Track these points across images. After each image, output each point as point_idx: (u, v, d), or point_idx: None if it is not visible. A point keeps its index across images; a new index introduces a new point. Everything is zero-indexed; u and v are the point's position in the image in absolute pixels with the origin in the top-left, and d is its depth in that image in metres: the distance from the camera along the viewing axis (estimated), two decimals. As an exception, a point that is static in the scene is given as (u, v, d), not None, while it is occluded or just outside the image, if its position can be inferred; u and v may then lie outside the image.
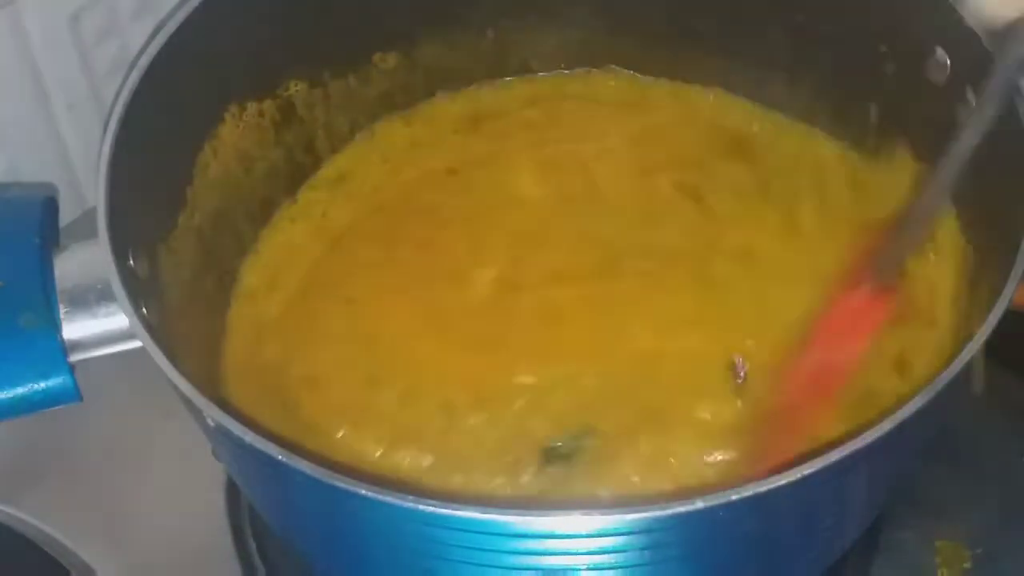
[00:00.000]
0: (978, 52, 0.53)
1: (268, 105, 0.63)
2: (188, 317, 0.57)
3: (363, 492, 0.42)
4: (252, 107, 0.62)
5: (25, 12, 0.64)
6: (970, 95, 0.54)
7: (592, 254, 0.60)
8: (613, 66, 0.69)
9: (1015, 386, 0.65)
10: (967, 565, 0.60)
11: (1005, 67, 0.46)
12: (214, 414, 0.44)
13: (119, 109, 0.52)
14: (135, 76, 0.53)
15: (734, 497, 0.41)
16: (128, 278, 0.49)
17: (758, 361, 0.56)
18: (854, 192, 0.63)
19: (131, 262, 0.50)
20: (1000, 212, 0.51)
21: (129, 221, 0.51)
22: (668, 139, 0.66)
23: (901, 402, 0.44)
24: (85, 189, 0.72)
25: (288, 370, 0.58)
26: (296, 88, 0.64)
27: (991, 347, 0.46)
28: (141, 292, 0.50)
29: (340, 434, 0.56)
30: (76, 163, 0.71)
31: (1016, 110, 0.51)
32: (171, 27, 0.55)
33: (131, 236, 0.51)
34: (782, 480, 0.41)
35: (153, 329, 0.48)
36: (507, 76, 0.69)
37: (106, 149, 0.51)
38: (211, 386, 0.56)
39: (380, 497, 0.42)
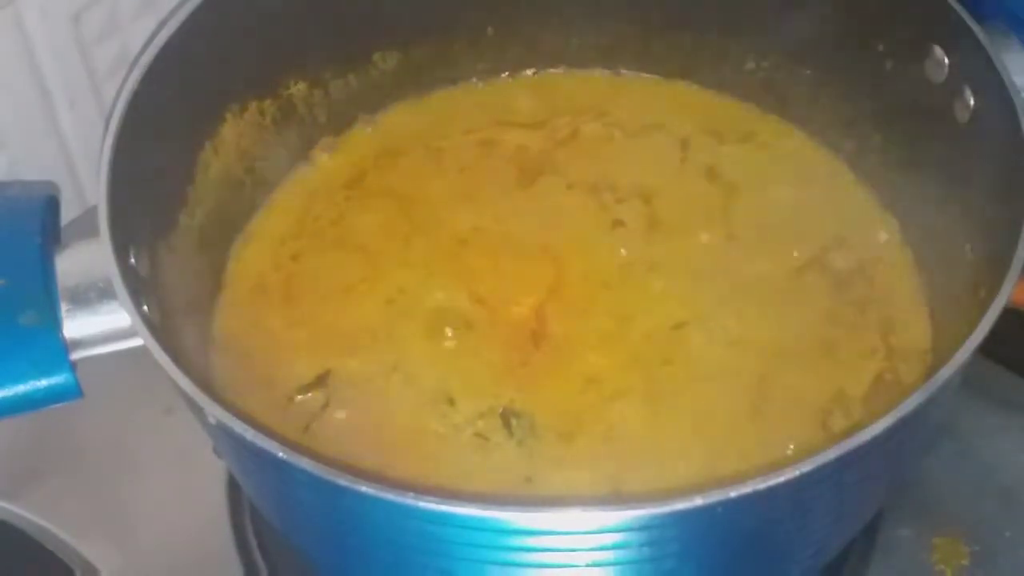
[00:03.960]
0: (975, 50, 0.53)
1: (269, 104, 0.63)
2: (188, 315, 0.57)
3: (363, 489, 0.42)
4: (253, 106, 0.62)
5: (26, 12, 0.64)
6: (967, 93, 0.54)
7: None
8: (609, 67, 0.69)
9: (1013, 384, 0.65)
10: (965, 562, 0.60)
11: None
12: (215, 412, 0.45)
13: (120, 108, 0.52)
14: (136, 75, 0.53)
15: (733, 495, 0.41)
16: (129, 276, 0.49)
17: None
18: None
19: (132, 260, 0.51)
20: (998, 210, 0.51)
21: (130, 220, 0.51)
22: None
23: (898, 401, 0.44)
24: (86, 188, 0.72)
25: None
26: (296, 87, 0.64)
27: (989, 345, 0.46)
28: (142, 290, 0.50)
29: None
30: (77, 162, 0.71)
31: (1015, 109, 0.51)
32: (172, 26, 0.55)
33: (132, 234, 0.51)
34: (780, 478, 0.42)
35: (154, 327, 0.48)
36: (506, 73, 0.69)
37: (107, 148, 0.51)
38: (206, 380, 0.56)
39: (380, 494, 0.42)
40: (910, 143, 0.60)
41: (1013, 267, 0.47)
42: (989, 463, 0.63)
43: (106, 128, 0.52)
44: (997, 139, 0.51)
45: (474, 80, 0.69)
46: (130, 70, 0.54)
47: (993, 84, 0.52)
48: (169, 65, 0.54)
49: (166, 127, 0.56)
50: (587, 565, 0.45)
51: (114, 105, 0.53)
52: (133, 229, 0.51)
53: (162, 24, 0.56)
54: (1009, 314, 0.46)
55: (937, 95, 0.56)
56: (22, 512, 0.62)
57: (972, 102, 0.54)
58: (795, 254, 0.61)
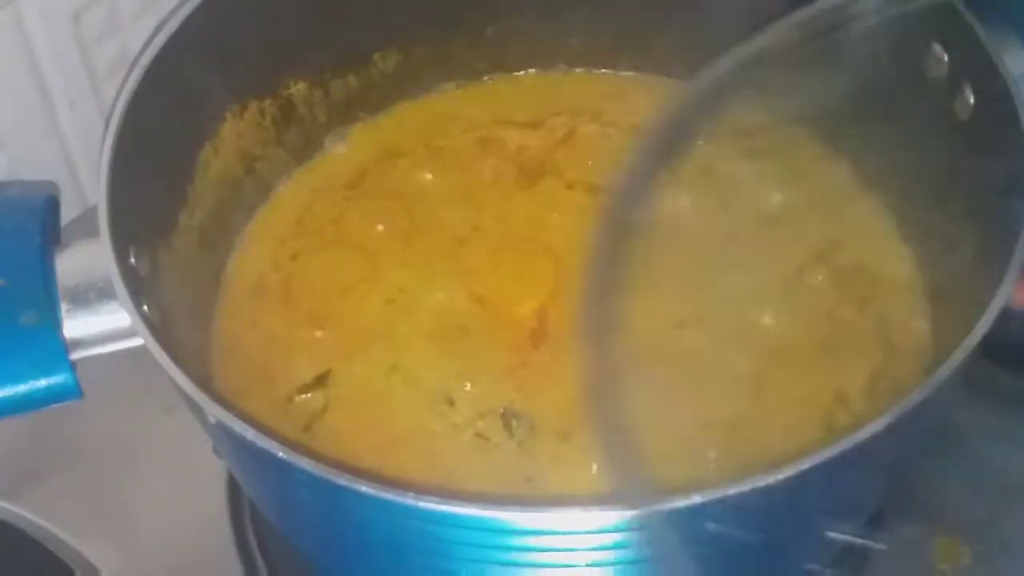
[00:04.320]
0: (975, 47, 0.53)
1: (269, 104, 0.63)
2: (188, 315, 0.57)
3: (363, 489, 0.42)
4: (253, 106, 0.62)
5: (26, 12, 0.64)
6: (967, 90, 0.54)
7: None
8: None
9: (1012, 381, 0.65)
10: (966, 561, 0.59)
11: None
12: (215, 412, 0.45)
13: (120, 108, 0.52)
14: (136, 75, 0.53)
15: (732, 492, 0.41)
16: (129, 276, 0.49)
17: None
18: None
19: (132, 260, 0.51)
20: (998, 208, 0.51)
21: (130, 219, 0.51)
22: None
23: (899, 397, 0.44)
24: (86, 187, 0.72)
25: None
26: (296, 87, 0.64)
27: (989, 343, 0.46)
28: (142, 290, 0.50)
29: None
30: (77, 161, 0.71)
31: (1015, 106, 0.51)
32: (172, 26, 0.55)
33: (132, 234, 0.51)
34: (779, 476, 0.42)
35: (154, 327, 0.48)
36: (506, 73, 0.69)
37: (107, 148, 0.51)
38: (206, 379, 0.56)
39: (380, 494, 0.42)
40: (910, 142, 0.60)
41: (1012, 266, 0.47)
42: (989, 462, 0.63)
43: (106, 128, 0.52)
44: (997, 137, 0.51)
45: (474, 80, 0.69)
46: (130, 70, 0.54)
47: (993, 81, 0.52)
48: (169, 65, 0.54)
49: (166, 127, 0.56)
50: (587, 565, 0.45)
51: (114, 105, 0.53)
52: (133, 229, 0.51)
53: (162, 24, 0.56)
54: (1008, 311, 0.46)
55: (937, 93, 0.56)
56: (22, 512, 0.62)
57: (972, 100, 0.54)
58: (795, 253, 0.61)
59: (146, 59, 0.54)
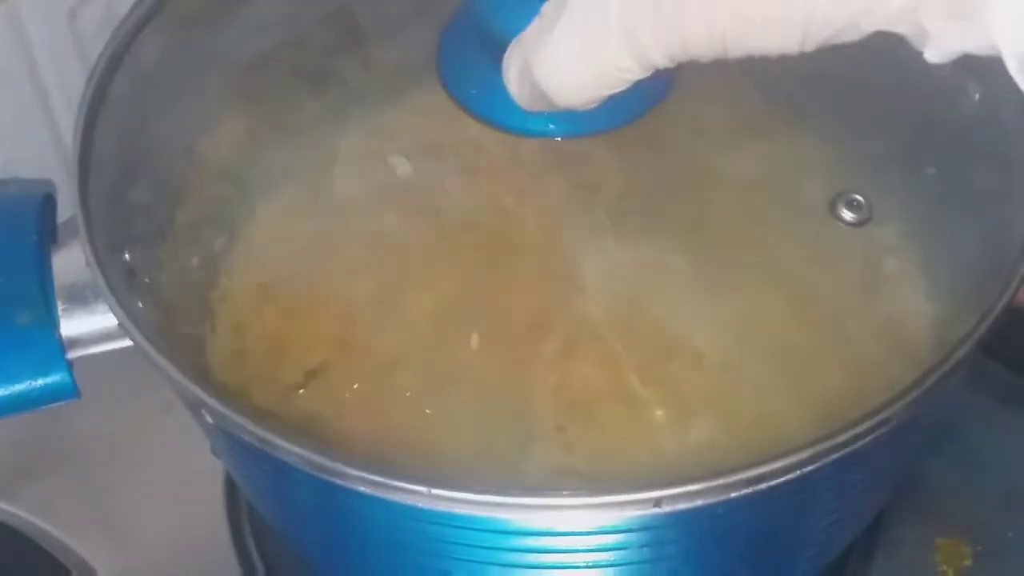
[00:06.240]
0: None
1: (267, 100, 0.63)
2: (186, 313, 0.57)
3: (362, 489, 0.42)
4: (251, 102, 0.62)
5: (23, 8, 0.64)
6: (973, 88, 0.54)
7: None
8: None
9: (1013, 384, 0.65)
10: (968, 562, 0.59)
11: None
12: (212, 411, 0.44)
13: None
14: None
15: (733, 494, 0.41)
16: (121, 277, 0.49)
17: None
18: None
19: (127, 257, 0.50)
20: (1003, 207, 0.51)
21: (123, 218, 0.51)
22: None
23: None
24: (83, 186, 0.72)
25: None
26: (293, 84, 0.64)
27: (990, 345, 0.46)
28: (138, 289, 0.50)
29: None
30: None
31: (1022, 104, 0.51)
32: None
33: (127, 232, 0.51)
34: (780, 478, 0.41)
35: (148, 326, 0.48)
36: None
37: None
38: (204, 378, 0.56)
39: (379, 494, 0.42)
40: (913, 140, 0.59)
41: (1016, 266, 0.47)
42: (991, 463, 0.63)
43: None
44: (1002, 135, 0.51)
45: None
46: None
47: (999, 79, 0.52)
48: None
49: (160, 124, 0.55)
50: (587, 566, 0.45)
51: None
52: (126, 228, 0.51)
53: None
54: (1012, 311, 0.46)
55: (941, 90, 0.56)
56: (18, 512, 0.62)
57: (977, 97, 0.54)
58: (796, 252, 0.61)
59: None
